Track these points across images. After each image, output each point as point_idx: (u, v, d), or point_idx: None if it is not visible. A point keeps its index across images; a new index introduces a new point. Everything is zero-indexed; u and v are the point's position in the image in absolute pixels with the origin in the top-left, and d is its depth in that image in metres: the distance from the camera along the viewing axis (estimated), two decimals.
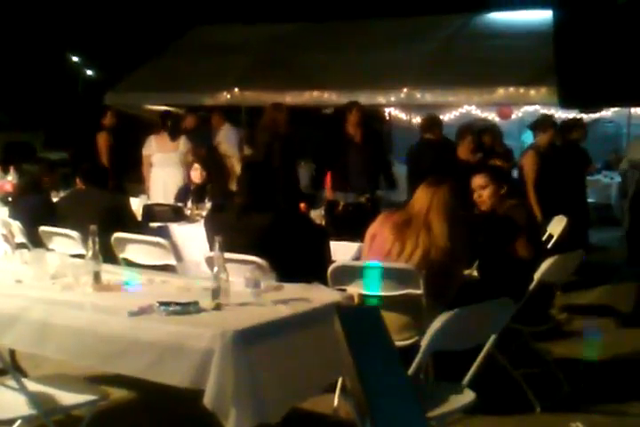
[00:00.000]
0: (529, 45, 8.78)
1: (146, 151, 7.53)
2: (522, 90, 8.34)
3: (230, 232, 3.45)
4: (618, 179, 9.22)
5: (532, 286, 3.78)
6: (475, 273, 3.87)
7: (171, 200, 6.38)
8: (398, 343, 3.20)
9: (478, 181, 4.30)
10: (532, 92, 8.23)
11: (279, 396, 2.59)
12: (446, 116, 10.75)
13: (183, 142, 7.45)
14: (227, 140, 8.73)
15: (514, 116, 11.01)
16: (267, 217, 3.68)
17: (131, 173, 8.23)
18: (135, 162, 7.87)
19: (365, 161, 6.59)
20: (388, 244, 3.59)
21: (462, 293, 3.56)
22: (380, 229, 3.68)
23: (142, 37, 16.43)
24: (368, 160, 6.60)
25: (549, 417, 3.68)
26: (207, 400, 2.45)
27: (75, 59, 21.34)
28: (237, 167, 8.09)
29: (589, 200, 7.95)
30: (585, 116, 8.41)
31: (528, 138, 10.86)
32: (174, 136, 7.41)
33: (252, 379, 2.46)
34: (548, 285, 3.91)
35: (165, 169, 7.40)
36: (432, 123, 7.27)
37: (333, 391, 3.51)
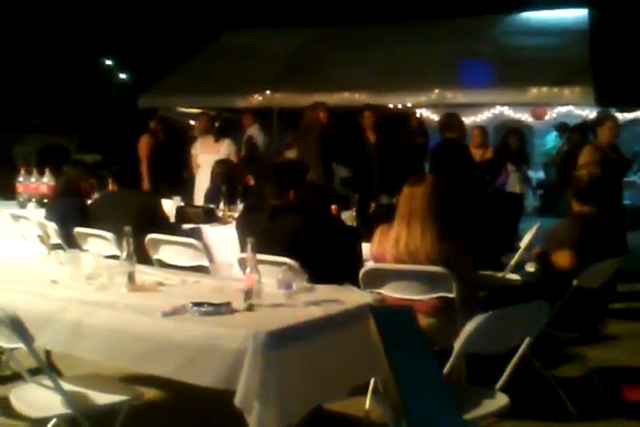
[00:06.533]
0: (562, 44, 8.68)
1: (193, 151, 7.80)
2: (555, 90, 8.23)
3: (262, 234, 3.44)
4: None
5: (569, 292, 3.71)
6: (510, 276, 3.79)
7: None
8: None
9: None
10: (566, 91, 8.12)
11: (305, 398, 2.58)
12: (478, 117, 10.67)
13: (226, 145, 7.52)
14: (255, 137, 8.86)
15: (547, 117, 10.86)
16: (298, 219, 3.67)
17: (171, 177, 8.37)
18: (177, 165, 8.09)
19: (386, 163, 6.58)
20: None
21: (506, 297, 3.49)
22: (382, 254, 3.56)
23: (174, 42, 16.59)
24: (388, 162, 6.59)
25: (585, 423, 3.61)
26: (237, 400, 2.45)
27: (108, 62, 21.63)
28: None
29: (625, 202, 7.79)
30: (620, 117, 8.24)
31: (551, 139, 10.56)
32: (217, 138, 7.53)
33: (281, 380, 2.45)
34: (591, 291, 3.84)
35: (209, 169, 7.48)
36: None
37: (365, 394, 3.49)
